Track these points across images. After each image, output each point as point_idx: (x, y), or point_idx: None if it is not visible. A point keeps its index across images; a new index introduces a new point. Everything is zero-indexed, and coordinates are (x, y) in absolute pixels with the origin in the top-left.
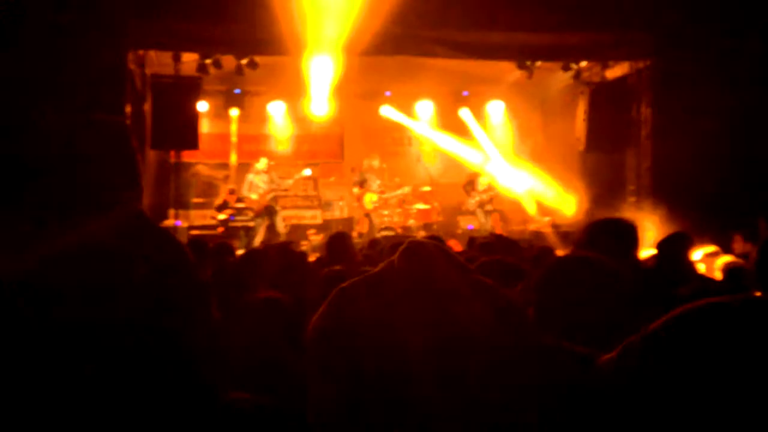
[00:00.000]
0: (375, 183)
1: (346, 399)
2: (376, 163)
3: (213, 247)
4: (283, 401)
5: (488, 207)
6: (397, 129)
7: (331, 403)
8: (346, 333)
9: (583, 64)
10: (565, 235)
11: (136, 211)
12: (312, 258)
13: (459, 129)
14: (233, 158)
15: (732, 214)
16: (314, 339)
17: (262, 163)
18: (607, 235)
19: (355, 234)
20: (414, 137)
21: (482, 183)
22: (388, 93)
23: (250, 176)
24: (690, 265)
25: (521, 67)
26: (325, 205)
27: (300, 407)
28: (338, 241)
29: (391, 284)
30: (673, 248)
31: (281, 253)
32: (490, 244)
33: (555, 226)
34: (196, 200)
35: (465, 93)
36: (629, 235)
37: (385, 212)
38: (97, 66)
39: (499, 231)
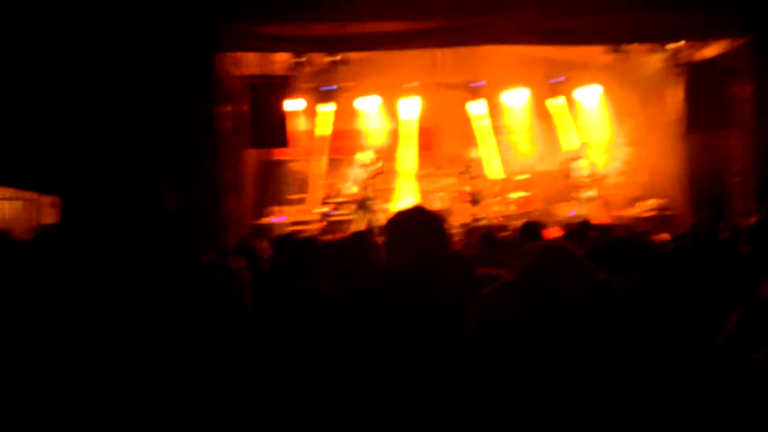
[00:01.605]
0: (477, 172)
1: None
2: (475, 153)
3: (299, 241)
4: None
5: (589, 193)
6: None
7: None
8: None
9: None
10: (667, 218)
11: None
12: None
13: (554, 116)
14: (326, 154)
15: None
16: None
17: (365, 156)
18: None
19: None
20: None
21: (581, 169)
22: (481, 83)
23: (351, 170)
24: None
25: (615, 50)
26: (422, 197)
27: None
28: None
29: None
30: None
31: (352, 244)
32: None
33: (660, 210)
34: (294, 197)
35: (558, 79)
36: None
37: (494, 200)
38: (187, 73)
39: (600, 217)
